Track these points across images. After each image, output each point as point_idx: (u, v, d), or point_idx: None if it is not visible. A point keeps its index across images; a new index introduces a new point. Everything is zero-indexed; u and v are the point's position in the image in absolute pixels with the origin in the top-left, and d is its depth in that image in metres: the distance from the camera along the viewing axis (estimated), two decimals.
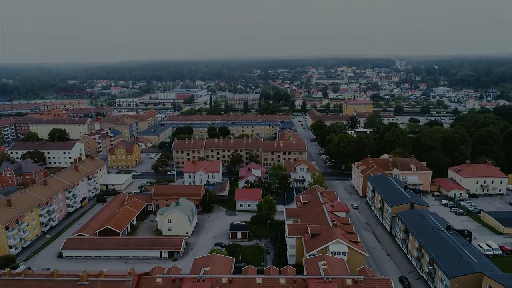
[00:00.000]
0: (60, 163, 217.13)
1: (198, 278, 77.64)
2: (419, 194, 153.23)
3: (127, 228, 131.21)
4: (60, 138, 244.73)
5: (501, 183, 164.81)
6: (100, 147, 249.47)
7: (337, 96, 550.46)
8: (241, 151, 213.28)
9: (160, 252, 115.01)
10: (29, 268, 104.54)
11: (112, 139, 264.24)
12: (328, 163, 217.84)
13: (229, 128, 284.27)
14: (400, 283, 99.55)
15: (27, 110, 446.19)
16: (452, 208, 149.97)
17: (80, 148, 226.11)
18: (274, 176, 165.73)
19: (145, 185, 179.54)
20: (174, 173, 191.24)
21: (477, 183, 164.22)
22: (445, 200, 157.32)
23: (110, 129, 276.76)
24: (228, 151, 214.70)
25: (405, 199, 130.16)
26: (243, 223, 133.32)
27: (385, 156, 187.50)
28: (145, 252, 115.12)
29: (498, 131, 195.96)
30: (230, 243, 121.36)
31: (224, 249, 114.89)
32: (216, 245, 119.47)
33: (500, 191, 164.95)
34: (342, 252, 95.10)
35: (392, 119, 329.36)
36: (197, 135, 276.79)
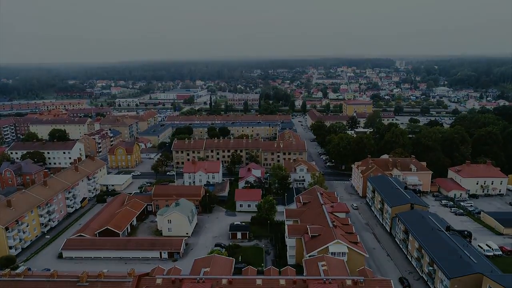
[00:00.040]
0: (60, 163, 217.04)
1: (198, 279, 77.66)
2: (419, 195, 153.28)
3: (127, 228, 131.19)
4: (60, 139, 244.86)
5: (501, 183, 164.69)
6: (100, 147, 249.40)
7: (337, 96, 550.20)
8: (241, 151, 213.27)
9: (160, 253, 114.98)
10: (29, 269, 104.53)
11: (112, 139, 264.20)
12: (328, 164, 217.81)
13: (229, 128, 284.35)
14: (400, 284, 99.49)
15: (27, 110, 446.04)
16: (452, 208, 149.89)
17: (80, 149, 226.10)
18: (274, 177, 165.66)
19: (145, 186, 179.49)
20: (174, 173, 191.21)
21: (477, 184, 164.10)
22: (445, 201, 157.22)
23: (110, 129, 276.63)
24: (228, 151, 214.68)
25: (405, 199, 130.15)
26: (243, 223, 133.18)
27: (385, 156, 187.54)
28: (145, 252, 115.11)
29: (498, 132, 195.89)
30: (230, 243, 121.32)
31: (224, 249, 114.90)
32: (216, 245, 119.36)
33: (500, 191, 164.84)
34: (342, 253, 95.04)
35: (392, 119, 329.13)
36: (197, 135, 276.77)
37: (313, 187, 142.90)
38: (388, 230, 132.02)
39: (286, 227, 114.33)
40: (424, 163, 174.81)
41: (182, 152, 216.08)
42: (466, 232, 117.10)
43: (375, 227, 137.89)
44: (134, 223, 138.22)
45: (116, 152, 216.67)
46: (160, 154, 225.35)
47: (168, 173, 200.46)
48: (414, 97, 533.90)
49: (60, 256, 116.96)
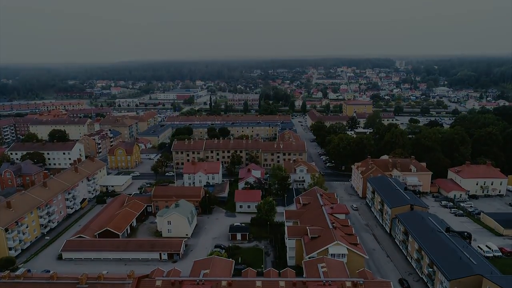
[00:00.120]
0: (59, 164, 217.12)
1: (197, 281, 77.70)
2: (418, 195, 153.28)
3: (126, 229, 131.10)
4: (59, 139, 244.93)
5: (501, 184, 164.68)
6: (99, 148, 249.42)
7: (337, 96, 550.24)
8: (241, 152, 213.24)
9: (160, 254, 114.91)
10: (29, 271, 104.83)
11: (111, 139, 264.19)
12: (328, 164, 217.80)
13: (229, 129, 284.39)
14: (399, 285, 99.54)
15: (27, 110, 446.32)
16: (452, 209, 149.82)
17: (79, 149, 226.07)
18: (273, 177, 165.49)
19: (144, 186, 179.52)
20: (174, 174, 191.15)
21: (477, 184, 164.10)
22: (445, 201, 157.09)
23: (110, 130, 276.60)
24: (228, 152, 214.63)
25: (405, 200, 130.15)
26: (242, 224, 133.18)
27: (385, 157, 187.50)
28: (144, 254, 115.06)
29: (498, 132, 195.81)
30: (230, 244, 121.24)
31: (223, 251, 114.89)
32: (215, 246, 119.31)
33: (500, 192, 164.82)
34: (342, 254, 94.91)
35: (392, 120, 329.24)
36: (197, 135, 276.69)
37: (313, 188, 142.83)
38: (388, 231, 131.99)
39: (286, 228, 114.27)
40: (424, 164, 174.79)
41: (182, 152, 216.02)
42: (465, 233, 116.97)
43: (375, 228, 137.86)
44: (134, 224, 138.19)
45: (116, 152, 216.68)
46: (160, 154, 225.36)
47: (167, 173, 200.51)
48: (414, 97, 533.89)
49: (60, 257, 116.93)
